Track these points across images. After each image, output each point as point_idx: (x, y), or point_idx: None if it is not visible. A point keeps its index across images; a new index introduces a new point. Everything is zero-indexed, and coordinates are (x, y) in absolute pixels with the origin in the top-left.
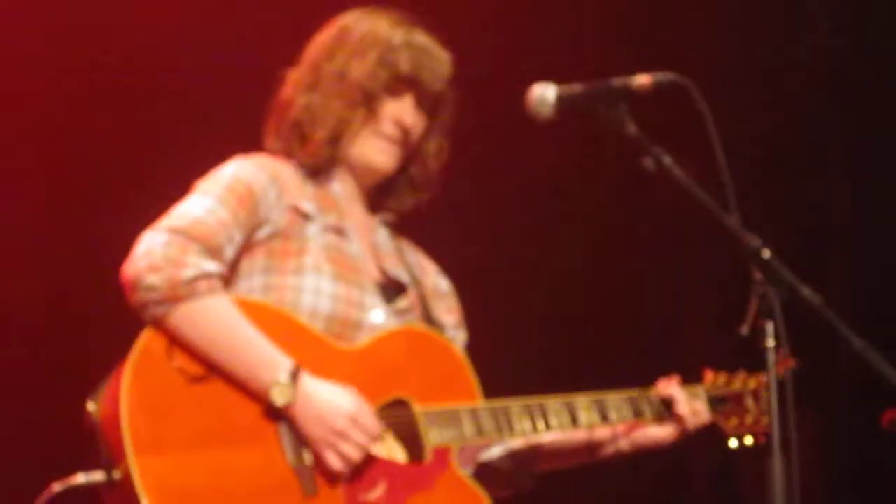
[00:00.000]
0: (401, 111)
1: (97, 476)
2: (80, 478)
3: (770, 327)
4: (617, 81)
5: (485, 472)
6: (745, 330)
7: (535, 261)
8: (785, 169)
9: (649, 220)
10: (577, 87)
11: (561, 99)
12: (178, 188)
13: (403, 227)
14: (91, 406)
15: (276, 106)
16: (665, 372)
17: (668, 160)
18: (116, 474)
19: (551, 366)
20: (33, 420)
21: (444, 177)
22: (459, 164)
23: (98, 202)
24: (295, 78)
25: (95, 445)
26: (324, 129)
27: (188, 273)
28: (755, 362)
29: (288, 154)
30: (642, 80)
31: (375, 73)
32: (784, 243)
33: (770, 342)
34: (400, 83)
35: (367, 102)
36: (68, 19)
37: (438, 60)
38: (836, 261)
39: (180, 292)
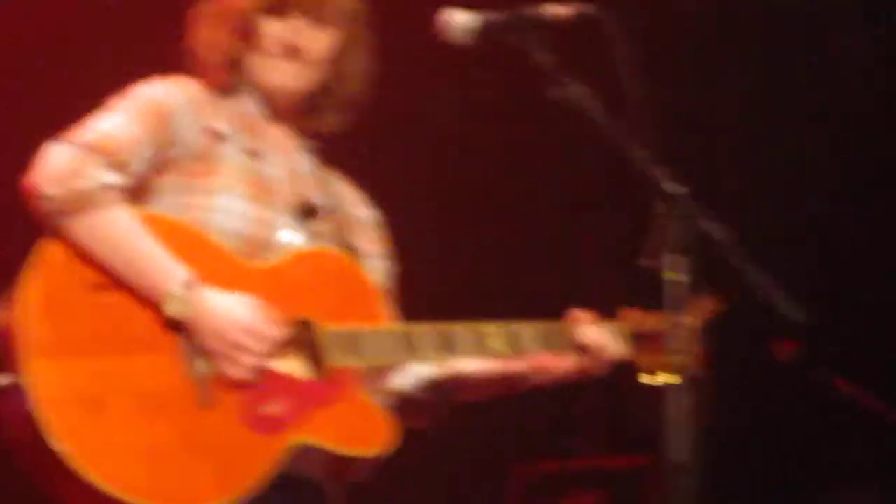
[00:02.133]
0: (285, 30)
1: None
2: None
3: (678, 262)
4: (532, 10)
5: (401, 401)
6: (645, 262)
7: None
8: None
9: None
10: (490, 14)
11: (473, 25)
12: (94, 105)
13: (330, 155)
14: None
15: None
16: (565, 304)
17: (577, 90)
18: (6, 379)
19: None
20: None
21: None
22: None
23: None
24: (200, 6)
25: None
26: (216, 58)
27: (87, 184)
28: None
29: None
30: (559, 10)
31: None
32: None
33: (680, 277)
34: (281, 2)
35: (247, 27)
36: None
37: None
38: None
39: (79, 203)
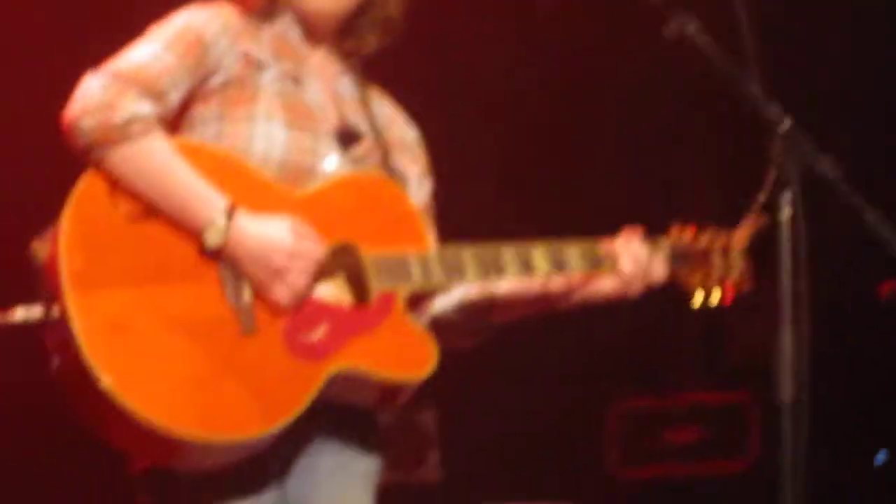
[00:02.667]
0: None
1: (35, 311)
2: (20, 312)
3: (787, 198)
4: None
5: (439, 324)
6: (761, 198)
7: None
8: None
9: (639, 66)
10: None
11: None
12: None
13: (373, 74)
14: (35, 245)
15: None
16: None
17: (691, 27)
18: (55, 311)
19: (526, 213)
20: None
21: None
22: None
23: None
24: None
25: (38, 284)
26: None
27: (121, 116)
28: None
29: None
30: None
31: None
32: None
33: (786, 213)
34: None
35: None
36: None
37: None
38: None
39: (113, 136)
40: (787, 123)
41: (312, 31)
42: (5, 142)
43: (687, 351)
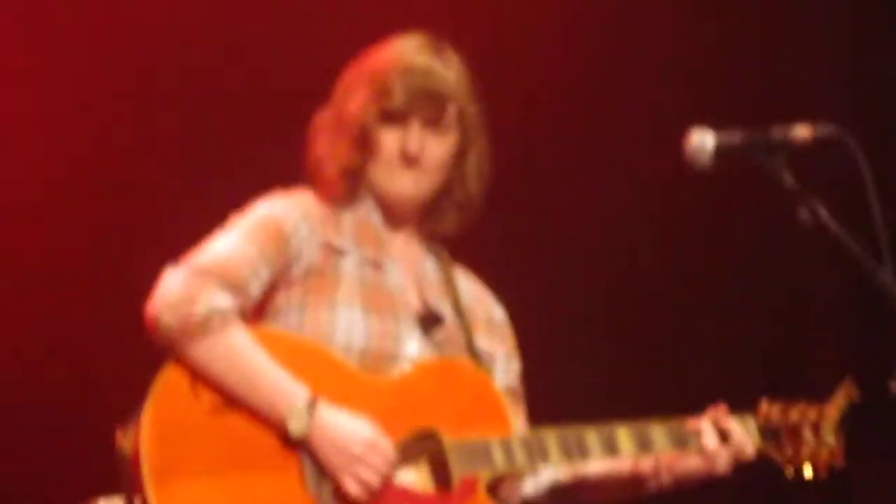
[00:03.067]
0: (402, 139)
1: (116, 501)
2: (101, 502)
3: None
4: (777, 132)
5: None
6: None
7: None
8: None
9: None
10: (735, 136)
11: (719, 148)
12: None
13: (457, 253)
14: (120, 434)
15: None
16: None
17: (824, 213)
18: (137, 502)
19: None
20: (73, 441)
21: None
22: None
23: (140, 235)
24: (320, 117)
25: (121, 475)
26: (334, 167)
27: (200, 310)
28: None
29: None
30: (803, 132)
31: (366, 107)
32: None
33: None
34: (398, 112)
35: (366, 137)
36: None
37: (443, 80)
38: None
39: (193, 329)
40: None
41: (394, 214)
42: (87, 331)
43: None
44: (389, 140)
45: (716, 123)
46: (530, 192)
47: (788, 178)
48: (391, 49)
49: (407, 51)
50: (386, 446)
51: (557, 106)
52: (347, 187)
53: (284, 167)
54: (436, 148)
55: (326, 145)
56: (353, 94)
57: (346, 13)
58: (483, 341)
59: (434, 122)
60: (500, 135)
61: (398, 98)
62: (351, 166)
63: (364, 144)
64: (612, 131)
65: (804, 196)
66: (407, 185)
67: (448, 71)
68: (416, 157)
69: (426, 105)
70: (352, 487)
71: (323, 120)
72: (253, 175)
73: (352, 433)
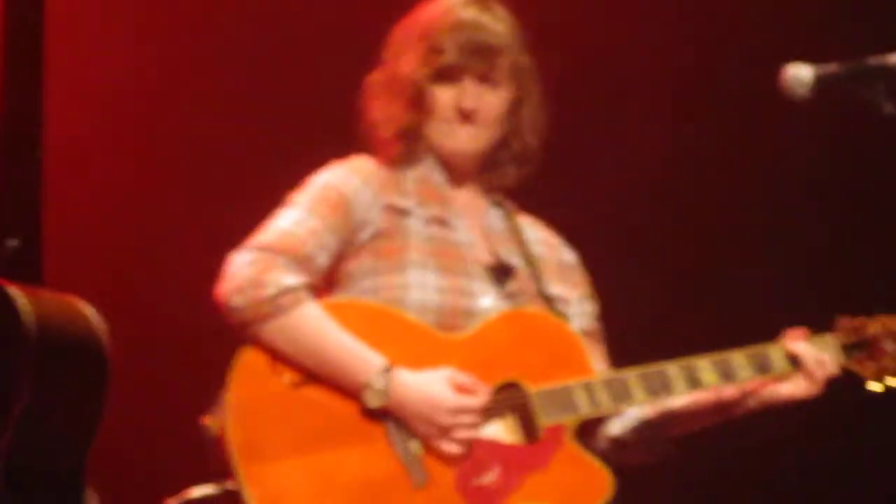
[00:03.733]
0: (457, 96)
1: (209, 489)
2: (194, 492)
3: None
4: (874, 60)
5: (620, 446)
6: None
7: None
8: None
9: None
10: (832, 67)
11: (818, 78)
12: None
13: (524, 202)
14: (206, 420)
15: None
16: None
17: None
18: (229, 485)
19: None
20: (160, 431)
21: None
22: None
23: (205, 209)
24: (372, 79)
25: (211, 459)
26: (390, 130)
27: (269, 291)
28: None
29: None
30: None
31: (419, 67)
32: None
33: None
34: (451, 69)
35: (421, 97)
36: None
37: (493, 34)
38: None
39: (265, 310)
40: None
41: (455, 171)
42: (171, 324)
43: None
44: (444, 98)
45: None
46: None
47: (889, 106)
48: (438, 5)
49: (454, 6)
50: (470, 405)
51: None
52: (406, 148)
53: (337, 146)
54: (491, 102)
55: (381, 108)
56: (404, 55)
57: None
58: (556, 287)
59: (487, 76)
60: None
61: (450, 55)
62: (408, 127)
63: (419, 104)
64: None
65: None
66: (465, 141)
67: (497, 24)
68: (472, 113)
69: (478, 60)
70: (450, 449)
71: (375, 83)
72: (309, 155)
73: (434, 402)
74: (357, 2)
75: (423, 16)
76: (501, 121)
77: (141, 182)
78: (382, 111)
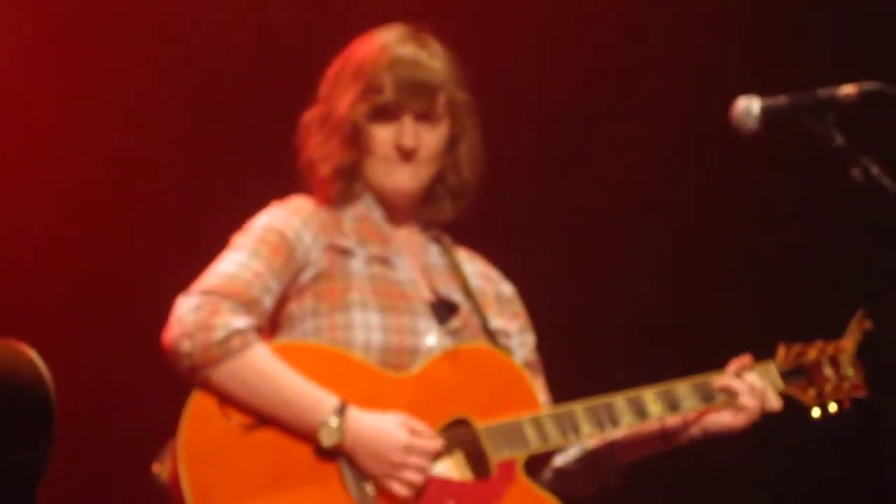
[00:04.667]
0: (396, 134)
1: None
2: None
3: None
4: (823, 92)
5: (563, 477)
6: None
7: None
8: None
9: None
10: (782, 100)
11: (766, 111)
12: (222, 241)
13: (460, 236)
14: (156, 469)
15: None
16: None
17: (876, 170)
18: None
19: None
20: (107, 476)
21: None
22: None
23: (145, 252)
24: (308, 117)
25: None
26: (328, 168)
27: (218, 335)
28: None
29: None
30: (849, 90)
31: (356, 105)
32: None
33: None
34: (389, 107)
35: (358, 135)
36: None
37: (431, 71)
38: None
39: (214, 354)
40: None
41: (394, 208)
42: (116, 368)
43: None
44: (383, 136)
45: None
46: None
47: (838, 138)
48: (373, 42)
49: (390, 43)
50: (423, 446)
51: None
52: (344, 187)
53: (279, 181)
54: (429, 139)
55: (318, 146)
56: (341, 92)
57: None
58: (497, 320)
59: (425, 113)
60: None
61: (388, 93)
62: (345, 165)
63: (357, 142)
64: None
65: (855, 154)
66: (405, 179)
67: (434, 61)
68: (411, 151)
69: (417, 98)
70: (400, 491)
71: (311, 120)
72: (252, 191)
73: (387, 439)
74: (295, 37)
75: (357, 52)
76: (440, 157)
77: (82, 228)
78: (319, 149)
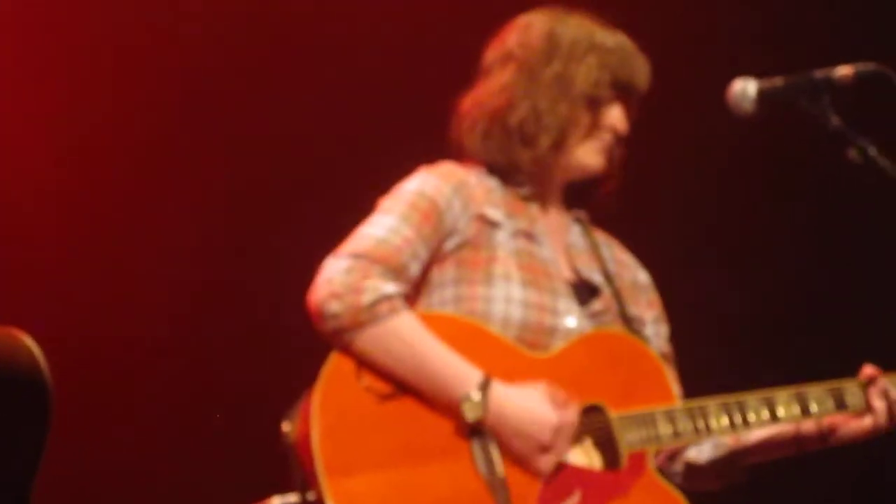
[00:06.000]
0: (617, 118)
1: (291, 498)
2: (276, 500)
3: None
4: (819, 73)
5: (694, 471)
6: None
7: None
8: None
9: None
10: (778, 81)
11: (762, 93)
12: (368, 205)
13: (599, 221)
14: (286, 427)
15: (477, 110)
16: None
17: (873, 151)
18: (310, 496)
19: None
20: (234, 439)
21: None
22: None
23: (293, 218)
24: (503, 81)
25: (291, 467)
26: (549, 135)
27: (368, 298)
28: None
29: (502, 158)
30: (844, 71)
31: (598, 78)
32: None
33: None
34: (615, 89)
35: (592, 108)
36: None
37: (645, 64)
38: None
39: (362, 318)
40: None
41: (558, 183)
42: (252, 329)
43: None
44: (611, 116)
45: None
46: None
47: (834, 119)
48: (583, 23)
49: (601, 28)
50: (571, 424)
51: None
52: (552, 156)
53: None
54: (627, 125)
55: (542, 112)
56: (576, 63)
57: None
58: (633, 307)
59: (631, 103)
60: None
61: (624, 76)
62: (567, 135)
63: (591, 116)
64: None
65: (852, 135)
66: (604, 162)
67: (645, 58)
68: (622, 134)
69: (637, 88)
70: (546, 470)
71: (514, 85)
72: (397, 153)
73: (536, 419)
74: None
75: (571, 29)
76: None
77: (79, 215)
78: (546, 115)
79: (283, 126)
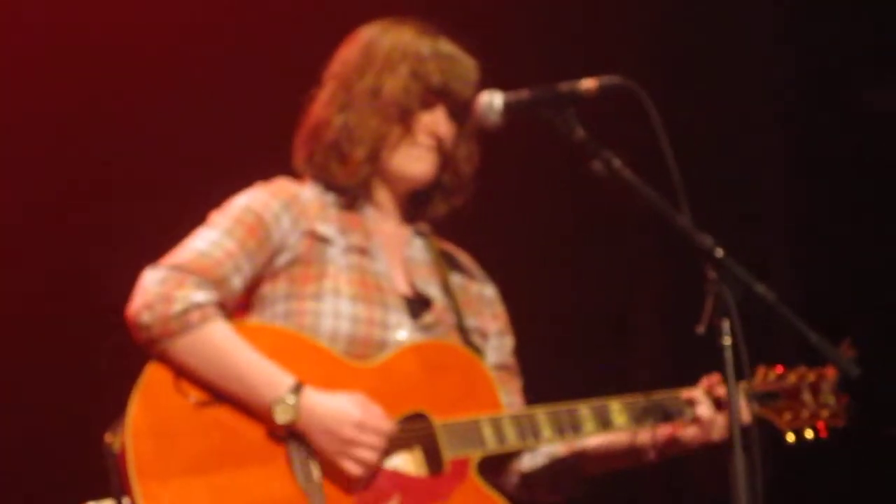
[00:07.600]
0: (435, 122)
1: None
2: None
3: (726, 325)
4: (563, 86)
5: (529, 482)
6: (701, 329)
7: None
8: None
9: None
10: (524, 94)
11: (508, 105)
12: (198, 220)
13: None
14: (108, 438)
15: (305, 127)
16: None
17: (617, 163)
18: (126, 502)
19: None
20: (62, 448)
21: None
22: None
23: (118, 235)
24: (325, 97)
25: (110, 476)
26: (362, 148)
27: (178, 307)
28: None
29: (323, 175)
30: (588, 84)
31: (409, 87)
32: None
33: (727, 340)
34: (432, 94)
35: (403, 117)
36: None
37: (467, 67)
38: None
39: (172, 327)
40: (719, 252)
41: (393, 196)
42: (74, 335)
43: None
44: (426, 122)
45: None
46: None
47: (579, 131)
48: (404, 30)
49: (425, 34)
50: (376, 424)
51: None
52: (368, 169)
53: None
54: (449, 132)
55: (353, 126)
56: (387, 73)
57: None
58: (474, 319)
59: (456, 107)
60: None
61: (437, 82)
62: (381, 147)
63: (403, 124)
64: None
65: (596, 147)
66: (429, 168)
67: (469, 59)
68: (444, 140)
69: (458, 91)
70: (351, 468)
71: (332, 99)
72: (235, 171)
73: (340, 417)
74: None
75: (388, 39)
76: (448, 152)
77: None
78: (357, 129)
79: (120, 139)
